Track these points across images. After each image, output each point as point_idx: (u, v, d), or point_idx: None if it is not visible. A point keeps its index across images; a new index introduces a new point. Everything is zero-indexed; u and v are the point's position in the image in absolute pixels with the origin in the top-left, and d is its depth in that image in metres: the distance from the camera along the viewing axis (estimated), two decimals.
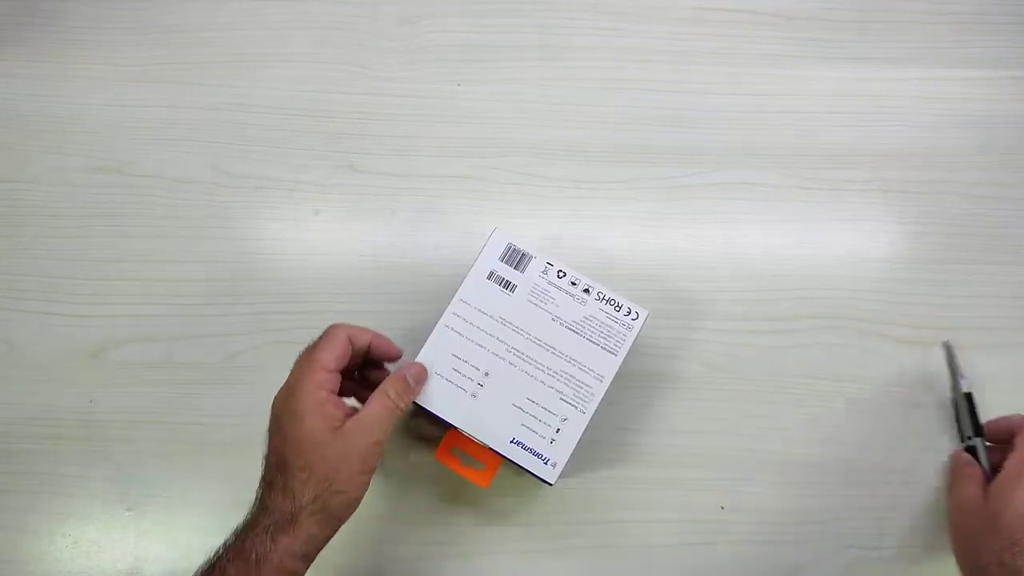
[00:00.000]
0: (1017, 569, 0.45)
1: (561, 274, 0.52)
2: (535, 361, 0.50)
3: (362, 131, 0.64)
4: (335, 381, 0.46)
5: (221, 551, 0.43)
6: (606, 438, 0.57)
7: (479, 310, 0.51)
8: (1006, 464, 0.50)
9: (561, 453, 0.49)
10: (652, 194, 0.63)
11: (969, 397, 0.56)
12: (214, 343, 0.59)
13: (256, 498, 0.45)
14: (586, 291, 0.52)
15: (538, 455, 0.49)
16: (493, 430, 0.49)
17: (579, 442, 0.49)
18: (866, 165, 0.64)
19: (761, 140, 0.64)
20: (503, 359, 0.50)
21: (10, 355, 0.59)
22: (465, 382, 0.50)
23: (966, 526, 0.51)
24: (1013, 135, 0.64)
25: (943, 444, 0.58)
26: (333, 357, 0.46)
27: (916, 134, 0.64)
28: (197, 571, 0.44)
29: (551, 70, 0.66)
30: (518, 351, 0.50)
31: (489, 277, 0.52)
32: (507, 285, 0.52)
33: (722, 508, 0.56)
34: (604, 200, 0.63)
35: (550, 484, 0.49)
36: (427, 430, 0.56)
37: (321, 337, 0.48)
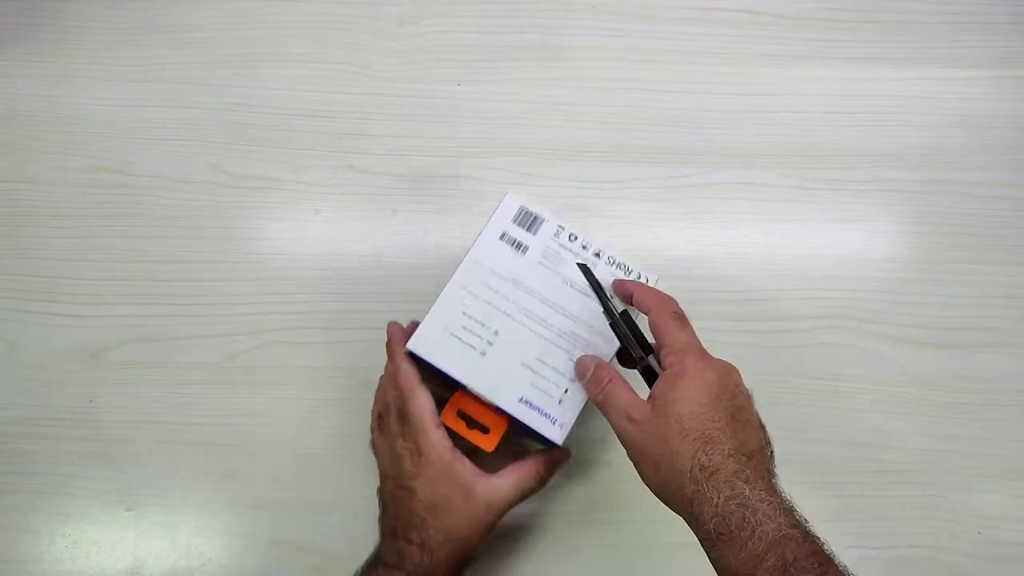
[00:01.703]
0: (716, 467, 0.40)
1: (573, 237, 0.52)
2: (545, 322, 0.50)
3: (362, 131, 0.64)
4: (442, 425, 0.48)
5: None
6: (607, 438, 0.57)
7: (491, 270, 0.51)
8: (663, 360, 0.45)
9: (568, 414, 0.49)
10: (652, 194, 0.63)
11: (627, 315, 0.49)
12: (214, 343, 0.59)
13: (386, 545, 0.47)
14: (596, 255, 0.52)
15: (546, 415, 0.49)
16: (501, 389, 0.49)
17: (586, 405, 0.49)
18: (866, 165, 0.64)
19: (761, 140, 0.64)
20: (513, 319, 0.50)
21: (10, 355, 0.59)
22: (475, 340, 0.49)
23: (647, 438, 0.42)
24: (1013, 135, 0.64)
25: (944, 444, 0.58)
26: (431, 405, 0.48)
27: (916, 134, 0.64)
28: None
29: (551, 70, 0.66)
30: (528, 311, 0.50)
31: (501, 238, 0.52)
32: (519, 246, 0.52)
33: None
34: (604, 200, 0.63)
35: (557, 446, 0.49)
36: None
37: (401, 387, 0.49)
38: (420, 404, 0.48)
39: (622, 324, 0.48)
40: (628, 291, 0.49)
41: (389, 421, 0.49)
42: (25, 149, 0.63)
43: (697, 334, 0.57)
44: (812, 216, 0.63)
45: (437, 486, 0.46)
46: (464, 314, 0.50)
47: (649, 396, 0.44)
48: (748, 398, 0.44)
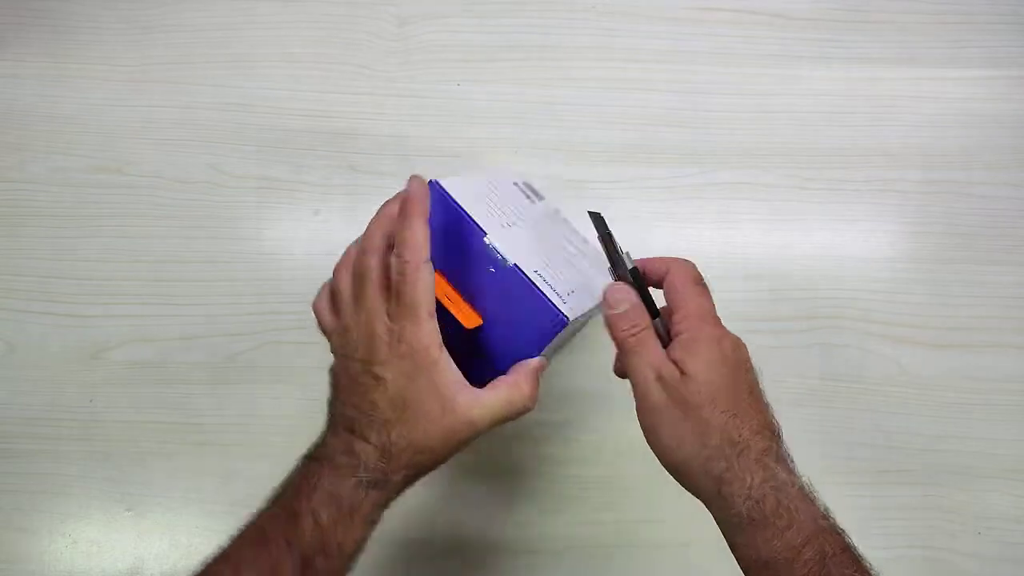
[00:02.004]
0: (746, 443, 0.37)
1: (567, 221, 0.53)
2: (563, 243, 0.50)
3: (362, 131, 0.64)
4: (435, 316, 0.41)
5: (299, 493, 0.39)
6: (607, 438, 0.57)
7: (507, 195, 0.50)
8: (677, 325, 0.41)
9: (574, 305, 0.45)
10: (652, 194, 0.63)
11: (635, 274, 0.43)
12: (214, 343, 0.59)
13: (336, 440, 0.40)
14: (585, 241, 0.53)
15: (554, 291, 0.45)
16: (519, 255, 0.45)
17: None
18: (866, 165, 0.64)
19: (761, 140, 0.64)
20: (528, 222, 0.49)
21: (10, 355, 0.59)
22: (500, 216, 0.47)
23: (673, 403, 0.39)
24: (1013, 135, 0.64)
25: (944, 444, 0.58)
26: (433, 290, 0.40)
27: (916, 134, 0.64)
28: (266, 509, 0.40)
29: (551, 70, 0.66)
30: (543, 224, 0.50)
31: (515, 184, 0.52)
32: (529, 197, 0.52)
33: None
34: (604, 200, 0.63)
35: (565, 320, 0.44)
36: None
37: (407, 256, 0.40)
38: (425, 282, 0.40)
39: (630, 279, 0.42)
40: (639, 261, 0.44)
41: (368, 293, 0.41)
42: (25, 149, 0.63)
43: None
44: (812, 216, 0.63)
45: (414, 383, 0.39)
46: (490, 198, 0.48)
47: None
48: (757, 374, 0.41)
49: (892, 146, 0.64)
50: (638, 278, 0.43)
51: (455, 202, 0.45)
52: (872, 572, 0.37)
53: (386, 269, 0.41)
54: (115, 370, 0.58)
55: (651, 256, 0.44)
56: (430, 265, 0.40)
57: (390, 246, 0.41)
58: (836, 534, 0.37)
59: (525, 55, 0.66)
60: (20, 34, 0.66)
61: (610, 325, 0.42)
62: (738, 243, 0.62)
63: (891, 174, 0.64)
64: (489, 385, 0.42)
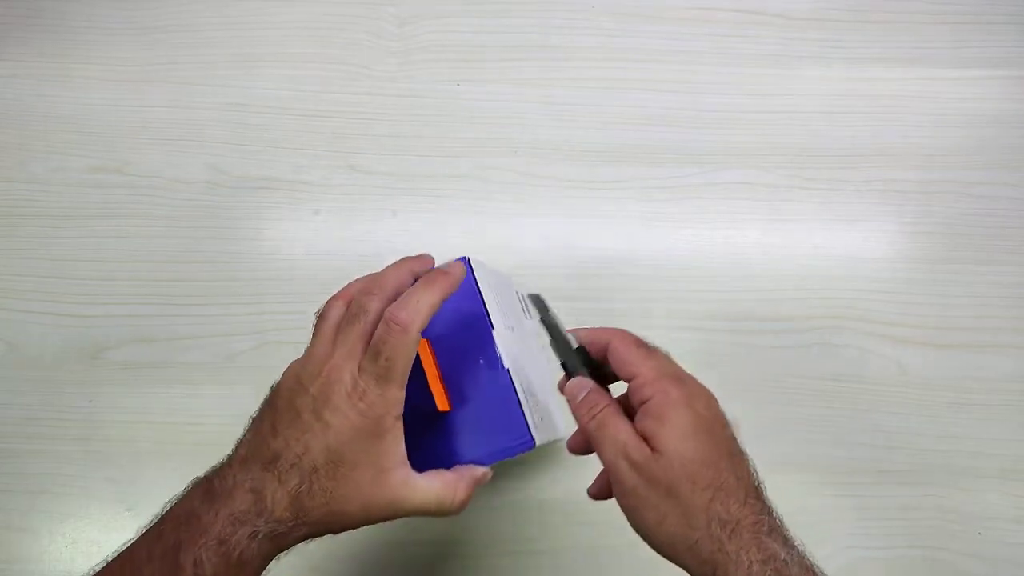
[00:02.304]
0: (736, 520, 0.35)
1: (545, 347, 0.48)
2: (539, 361, 0.49)
3: (362, 131, 0.64)
4: (405, 389, 0.39)
5: (186, 539, 0.35)
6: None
7: (510, 300, 0.50)
8: (637, 393, 0.38)
9: (541, 432, 0.45)
10: (652, 194, 0.63)
11: (582, 351, 0.42)
12: (214, 343, 0.59)
13: (245, 473, 0.37)
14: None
15: (529, 407, 0.44)
16: (510, 360, 0.44)
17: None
18: (865, 165, 0.64)
19: (761, 140, 0.64)
20: (519, 336, 0.49)
21: (10, 355, 0.59)
22: (501, 314, 0.46)
23: (648, 485, 0.36)
24: (1013, 135, 0.64)
25: (944, 444, 0.58)
26: (411, 361, 0.38)
27: (915, 134, 0.64)
28: (144, 547, 0.36)
29: (551, 70, 0.66)
30: (530, 342, 0.49)
31: (516, 292, 0.52)
32: (525, 310, 0.52)
33: None
34: (604, 200, 0.63)
35: (533, 444, 0.43)
36: None
37: (406, 320, 0.37)
38: (407, 352, 0.37)
39: (575, 359, 0.41)
40: (581, 336, 0.42)
41: (351, 333, 0.39)
42: (25, 149, 0.63)
43: (697, 335, 0.56)
44: (812, 216, 0.63)
45: (357, 442, 0.37)
46: (499, 295, 0.48)
47: None
48: (731, 425, 0.39)
49: (892, 146, 0.64)
50: (585, 355, 0.41)
51: (476, 284, 0.44)
52: None
53: (379, 320, 0.38)
54: (115, 370, 0.58)
55: (588, 327, 0.42)
56: (419, 338, 0.38)
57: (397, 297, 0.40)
58: None
59: (525, 55, 0.66)
60: (20, 34, 0.66)
61: (576, 417, 0.40)
62: (738, 243, 0.62)
63: (891, 174, 0.64)
64: (427, 474, 0.40)
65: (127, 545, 0.37)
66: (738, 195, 0.63)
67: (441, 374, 0.45)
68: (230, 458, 0.39)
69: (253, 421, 0.40)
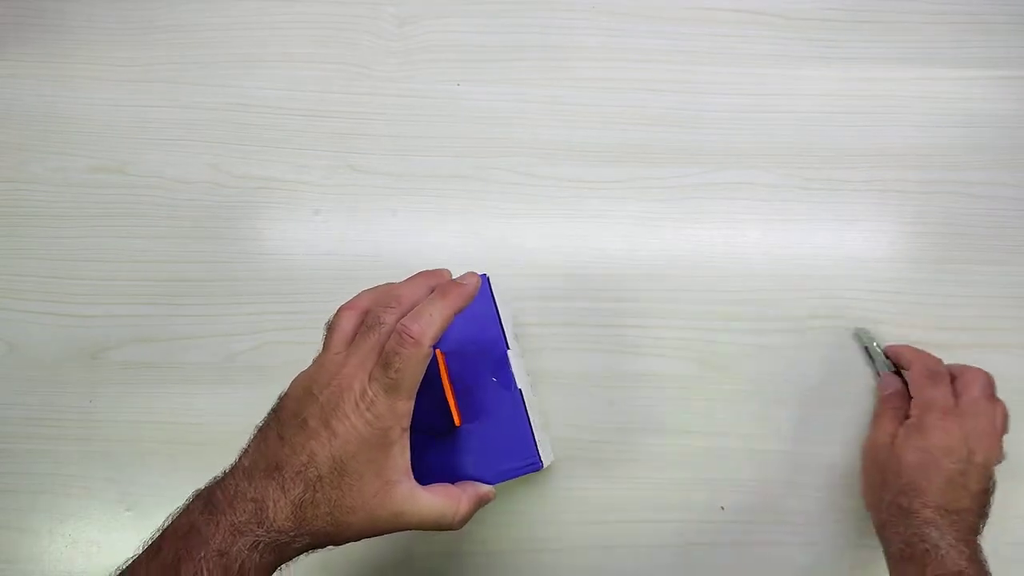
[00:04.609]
0: (912, 510, 0.47)
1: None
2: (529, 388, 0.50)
3: (362, 131, 0.64)
4: (414, 402, 0.39)
5: (184, 554, 0.36)
6: (606, 438, 0.57)
7: (511, 326, 0.50)
8: (911, 409, 0.53)
9: (544, 458, 0.47)
10: (652, 194, 0.63)
11: (899, 375, 0.57)
12: (214, 343, 0.59)
13: (247, 484, 0.37)
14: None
15: (538, 436, 0.46)
16: (521, 382, 0.45)
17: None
18: (865, 165, 0.64)
19: (761, 140, 0.64)
20: (522, 361, 0.49)
21: (10, 355, 0.59)
22: (512, 337, 0.46)
23: (876, 460, 0.53)
24: (1012, 135, 0.64)
25: None
26: (417, 379, 0.39)
27: (915, 134, 0.64)
28: (144, 561, 0.37)
29: (551, 70, 0.66)
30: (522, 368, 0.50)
31: (512, 319, 0.53)
32: (517, 338, 0.52)
33: (722, 508, 0.56)
34: (604, 200, 0.63)
35: (540, 466, 0.45)
36: None
37: (419, 332, 0.38)
38: (418, 363, 0.38)
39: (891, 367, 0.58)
40: (895, 352, 0.57)
41: (365, 344, 0.39)
42: (25, 149, 0.63)
43: (697, 335, 0.57)
44: (812, 216, 0.63)
45: (362, 453, 0.37)
46: (507, 319, 0.48)
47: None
48: (981, 464, 0.49)
49: (892, 146, 0.64)
50: (901, 376, 0.56)
51: (495, 302, 0.44)
52: None
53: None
54: (115, 370, 0.58)
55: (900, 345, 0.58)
56: (431, 352, 0.39)
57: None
58: None
59: (525, 55, 0.66)
60: (20, 34, 0.66)
61: (881, 399, 0.56)
62: (738, 243, 0.62)
63: (891, 174, 0.64)
64: (431, 487, 0.40)
65: (128, 562, 0.37)
66: (738, 195, 0.63)
67: (453, 389, 0.45)
68: (232, 468, 0.39)
69: (258, 431, 0.40)
